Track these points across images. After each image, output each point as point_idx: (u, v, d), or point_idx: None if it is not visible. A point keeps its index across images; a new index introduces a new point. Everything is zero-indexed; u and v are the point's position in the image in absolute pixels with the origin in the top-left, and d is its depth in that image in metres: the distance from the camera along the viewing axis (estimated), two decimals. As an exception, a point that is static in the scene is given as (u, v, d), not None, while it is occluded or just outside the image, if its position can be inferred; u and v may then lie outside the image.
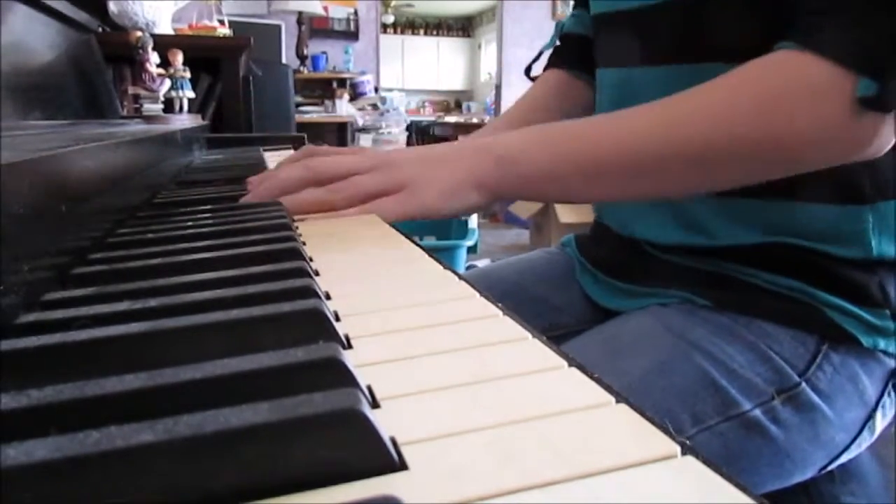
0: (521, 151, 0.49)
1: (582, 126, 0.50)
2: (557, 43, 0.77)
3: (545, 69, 0.78)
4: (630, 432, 0.16)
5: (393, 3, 7.18)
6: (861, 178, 0.50)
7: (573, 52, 0.75)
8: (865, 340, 0.49)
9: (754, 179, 0.48)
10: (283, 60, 4.05)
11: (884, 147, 0.45)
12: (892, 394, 0.52)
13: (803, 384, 0.49)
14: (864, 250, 0.50)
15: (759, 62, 0.44)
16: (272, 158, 0.94)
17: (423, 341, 0.23)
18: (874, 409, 0.51)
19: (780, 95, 0.43)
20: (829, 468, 0.52)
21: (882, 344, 0.50)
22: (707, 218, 0.54)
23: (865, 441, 0.53)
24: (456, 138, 2.24)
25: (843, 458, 0.52)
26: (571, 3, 0.79)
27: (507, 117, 0.77)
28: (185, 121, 1.10)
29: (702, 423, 0.47)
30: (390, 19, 7.34)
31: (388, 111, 4.56)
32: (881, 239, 0.50)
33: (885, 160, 0.47)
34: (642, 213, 0.59)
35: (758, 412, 0.47)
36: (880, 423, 0.53)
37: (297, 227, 0.43)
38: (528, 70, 0.80)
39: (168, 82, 1.12)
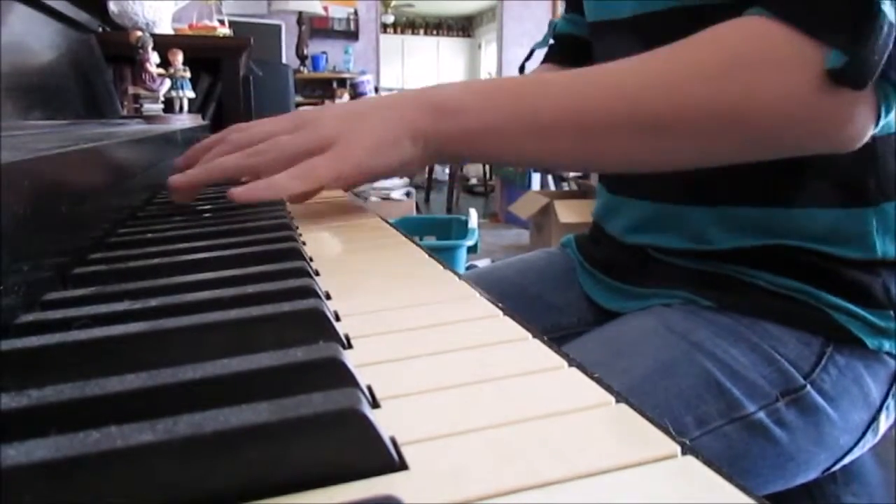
0: (462, 101, 0.45)
1: (531, 81, 0.47)
2: (551, 41, 0.76)
3: (541, 64, 0.77)
4: (630, 432, 0.16)
5: (393, 3, 7.18)
6: (866, 179, 0.49)
7: (567, 51, 0.73)
8: (870, 342, 0.49)
9: (716, 158, 0.45)
10: (284, 60, 4.05)
11: (861, 133, 0.42)
12: None
13: (808, 386, 0.48)
14: (868, 251, 0.50)
15: (723, 27, 0.42)
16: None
17: (424, 341, 0.23)
18: (878, 411, 0.51)
19: (740, 63, 0.40)
20: (833, 470, 0.52)
21: (887, 346, 0.49)
22: (705, 225, 0.53)
23: (869, 442, 0.52)
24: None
25: (847, 460, 0.52)
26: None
27: None
28: (185, 121, 1.10)
29: (706, 426, 0.46)
30: (390, 19, 7.34)
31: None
32: (885, 239, 0.50)
33: (890, 160, 0.47)
34: (642, 225, 0.59)
35: (762, 414, 0.47)
36: (884, 424, 0.53)
37: (297, 227, 0.43)
38: (521, 69, 0.79)
39: (168, 82, 1.12)
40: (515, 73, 0.76)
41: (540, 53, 0.78)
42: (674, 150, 0.44)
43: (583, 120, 0.44)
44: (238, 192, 0.43)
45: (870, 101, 0.40)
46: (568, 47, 0.74)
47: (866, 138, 0.42)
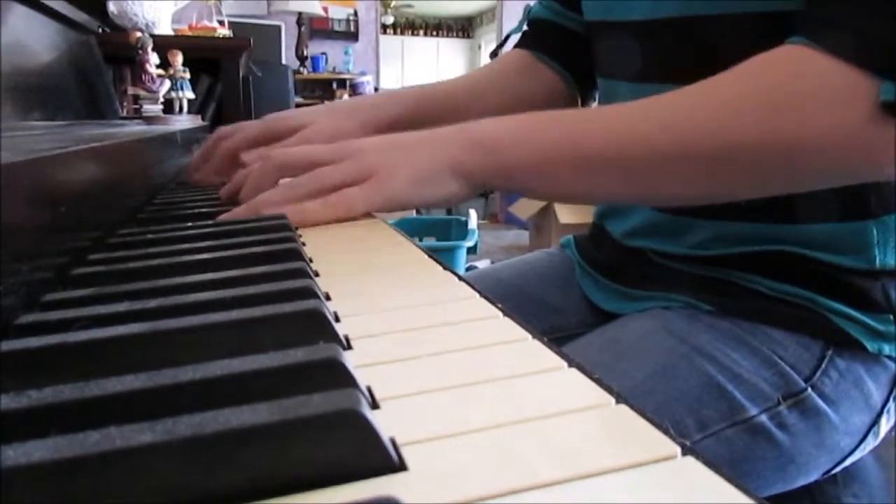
0: (505, 138, 0.45)
1: (573, 117, 0.47)
2: (525, 27, 0.74)
3: (513, 49, 0.74)
4: (630, 433, 0.16)
5: (393, 4, 7.18)
6: (867, 193, 0.49)
7: (542, 36, 0.71)
8: (870, 346, 0.49)
9: (761, 191, 0.44)
10: (283, 61, 4.05)
11: None
12: None
13: (809, 389, 0.48)
14: (868, 261, 0.50)
15: (767, 58, 0.40)
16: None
17: (423, 342, 0.23)
18: (879, 414, 0.51)
19: (791, 98, 0.39)
20: (833, 472, 0.52)
21: (887, 349, 0.49)
22: (707, 237, 0.53)
23: (870, 445, 0.52)
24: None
25: (847, 463, 0.52)
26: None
27: (452, 85, 0.72)
28: (184, 121, 1.10)
29: (707, 429, 0.46)
30: (390, 20, 7.34)
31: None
32: (885, 250, 0.50)
33: None
34: (643, 230, 0.58)
35: (764, 417, 0.47)
36: (885, 427, 0.53)
37: (297, 228, 0.43)
38: (494, 54, 0.77)
39: (168, 83, 1.12)
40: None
41: (514, 40, 0.75)
42: (723, 186, 0.44)
43: (628, 158, 0.43)
44: (266, 204, 0.44)
45: None
46: (544, 34, 0.71)
47: None
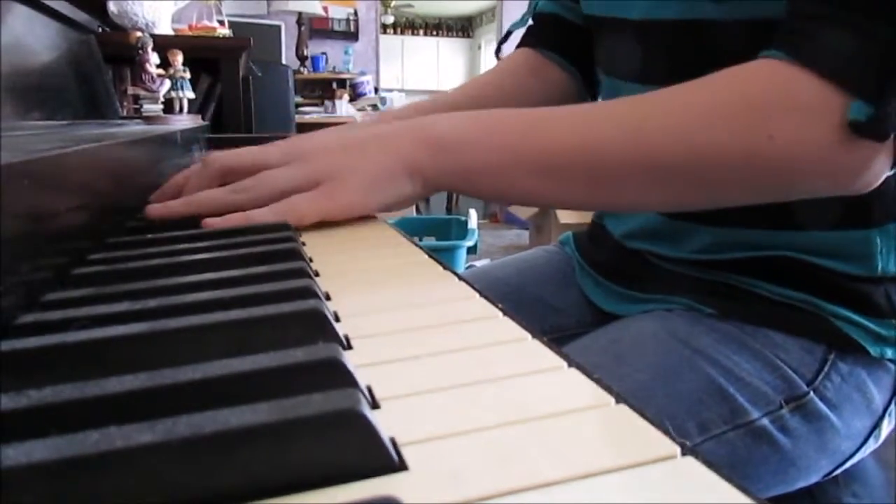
0: (461, 136, 0.42)
1: (537, 117, 0.44)
2: (530, 22, 0.71)
3: (517, 48, 0.72)
4: (630, 433, 0.16)
5: (393, 4, 7.18)
6: (870, 201, 0.47)
7: (547, 32, 0.69)
8: (873, 350, 0.49)
9: (728, 202, 0.44)
10: (283, 61, 4.05)
11: (873, 181, 0.40)
12: None
13: (811, 393, 0.48)
14: (870, 269, 0.49)
15: (740, 70, 0.40)
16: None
17: (423, 342, 0.23)
18: (881, 418, 0.51)
19: (761, 111, 0.38)
20: (833, 474, 0.52)
21: (889, 353, 0.49)
22: (707, 243, 0.53)
23: (870, 448, 0.52)
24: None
25: (847, 465, 0.52)
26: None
27: (457, 93, 0.69)
28: (184, 121, 1.10)
29: (708, 432, 0.46)
30: (390, 20, 7.34)
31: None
32: (888, 258, 0.49)
33: (893, 181, 0.46)
34: (644, 233, 0.58)
35: (766, 421, 0.47)
36: (886, 430, 0.52)
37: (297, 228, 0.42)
38: (497, 52, 0.75)
39: (168, 83, 1.12)
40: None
41: (518, 35, 0.73)
42: (687, 195, 0.43)
43: (595, 165, 0.41)
44: (214, 222, 0.40)
45: (888, 148, 0.38)
46: (548, 29, 0.69)
47: (880, 182, 0.41)
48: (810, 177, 0.40)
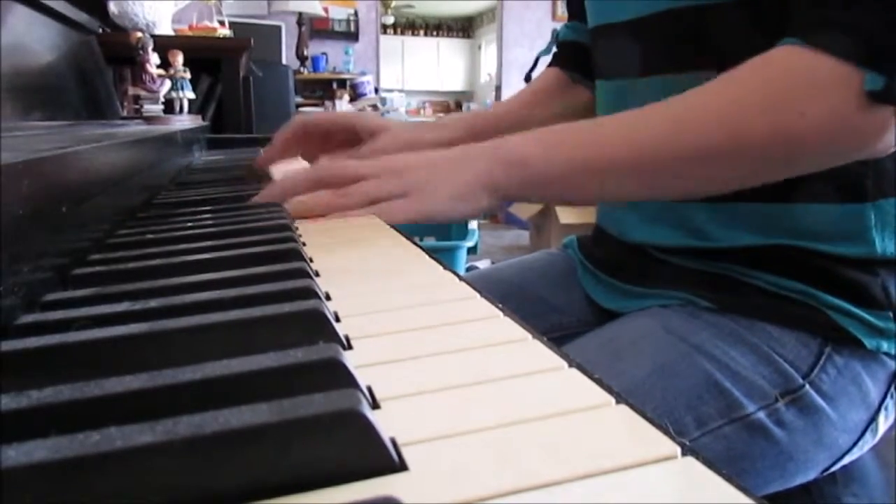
0: (531, 153, 0.49)
1: (590, 127, 0.50)
2: (555, 49, 0.79)
3: (547, 68, 0.79)
4: (630, 433, 0.16)
5: (393, 4, 7.18)
6: (863, 175, 0.50)
7: (570, 56, 0.76)
8: (868, 343, 0.49)
9: (763, 179, 0.47)
10: (284, 61, 4.05)
11: (892, 144, 0.45)
12: (895, 396, 0.52)
13: (807, 386, 0.48)
14: (867, 248, 0.50)
15: (763, 59, 0.44)
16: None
17: (424, 342, 0.23)
18: (877, 412, 0.51)
19: (788, 92, 0.43)
20: (832, 470, 0.52)
21: (885, 346, 0.49)
22: (705, 221, 0.54)
23: (868, 443, 0.53)
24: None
25: (846, 460, 0.52)
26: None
27: (501, 109, 0.78)
28: (185, 121, 1.10)
29: (705, 426, 0.47)
30: (390, 20, 7.34)
31: (388, 112, 4.57)
32: (884, 236, 0.50)
33: (888, 158, 0.47)
34: (641, 221, 0.59)
35: (762, 414, 0.47)
36: (883, 425, 0.53)
37: (297, 228, 0.43)
38: (527, 77, 0.82)
39: (168, 83, 1.12)
40: (515, 73, 0.78)
41: (545, 61, 0.81)
42: (736, 178, 0.47)
43: (648, 160, 0.47)
44: (312, 202, 0.48)
45: None
46: (570, 54, 0.76)
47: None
48: (838, 144, 0.45)
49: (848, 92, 0.41)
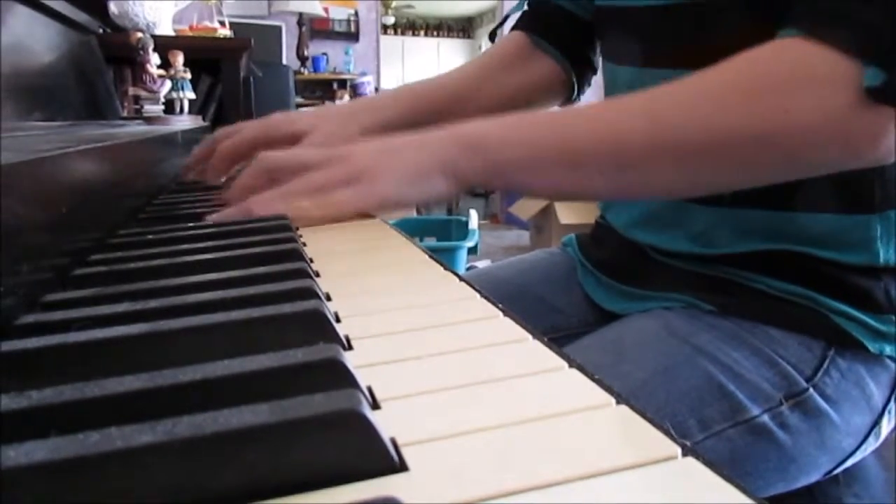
0: (493, 136, 0.45)
1: (560, 115, 0.47)
2: (526, 7, 0.72)
3: (511, 31, 0.72)
4: (631, 433, 0.16)
5: (393, 5, 7.18)
6: (871, 186, 0.48)
7: (543, 19, 0.69)
8: (872, 346, 0.49)
9: (749, 182, 0.45)
10: (284, 61, 4.05)
11: (890, 151, 0.41)
12: None
13: (811, 389, 0.48)
14: (871, 257, 0.49)
15: (757, 51, 0.41)
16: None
17: (424, 342, 0.23)
18: (880, 415, 0.51)
19: (776, 87, 0.40)
20: (834, 473, 0.52)
21: (888, 349, 0.49)
22: (709, 227, 0.53)
23: (871, 446, 0.52)
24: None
25: (849, 463, 0.52)
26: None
27: (446, 79, 0.71)
28: (185, 122, 1.10)
29: (709, 429, 0.46)
30: (391, 20, 7.34)
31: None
32: (888, 246, 0.49)
33: (894, 168, 0.46)
34: (646, 220, 0.58)
35: (766, 417, 0.47)
36: (886, 428, 0.52)
37: (297, 228, 0.43)
38: (492, 35, 0.76)
39: (168, 83, 1.12)
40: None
41: (515, 19, 0.73)
42: (713, 177, 0.44)
43: (618, 152, 0.43)
44: (256, 203, 0.44)
45: None
46: (545, 17, 0.70)
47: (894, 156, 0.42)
48: (827, 147, 0.41)
49: (845, 87, 0.38)
